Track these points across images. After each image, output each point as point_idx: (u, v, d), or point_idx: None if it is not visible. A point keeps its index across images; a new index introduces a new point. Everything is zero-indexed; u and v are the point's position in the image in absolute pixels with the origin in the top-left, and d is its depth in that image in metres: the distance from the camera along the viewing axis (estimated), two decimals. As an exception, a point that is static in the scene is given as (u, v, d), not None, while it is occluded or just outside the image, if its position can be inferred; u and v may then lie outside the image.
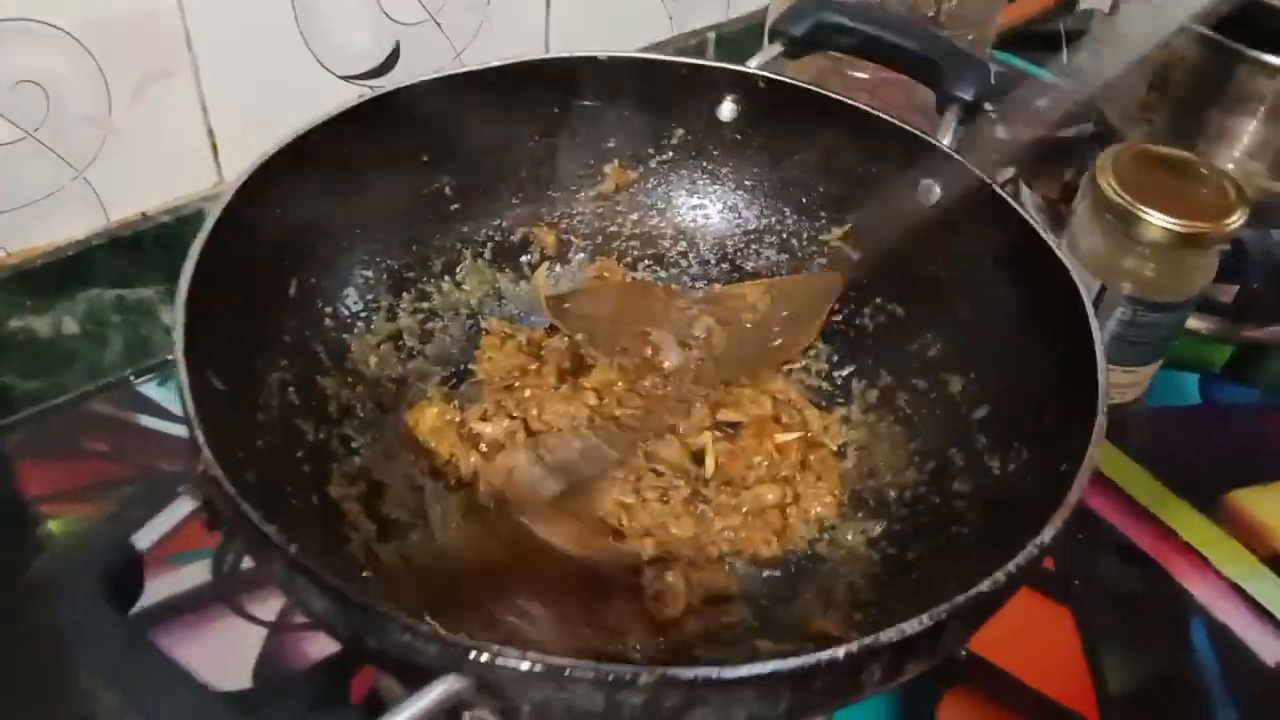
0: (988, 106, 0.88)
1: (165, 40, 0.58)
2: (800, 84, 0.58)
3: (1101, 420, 0.42)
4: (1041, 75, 0.95)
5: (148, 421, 0.61)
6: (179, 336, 0.41)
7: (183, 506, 0.36)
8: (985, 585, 0.36)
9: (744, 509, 0.51)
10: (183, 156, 0.62)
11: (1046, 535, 0.38)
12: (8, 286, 0.59)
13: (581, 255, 0.62)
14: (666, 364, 0.56)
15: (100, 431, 0.60)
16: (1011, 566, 0.37)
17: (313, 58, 0.64)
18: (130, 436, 0.60)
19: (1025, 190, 0.80)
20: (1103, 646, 0.54)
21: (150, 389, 0.63)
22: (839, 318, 0.59)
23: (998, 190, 0.53)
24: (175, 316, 0.41)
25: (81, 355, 0.63)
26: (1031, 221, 0.51)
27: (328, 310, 0.53)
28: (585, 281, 0.61)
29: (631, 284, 0.61)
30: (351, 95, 0.52)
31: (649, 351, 0.56)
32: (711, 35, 0.86)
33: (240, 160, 0.64)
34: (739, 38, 0.87)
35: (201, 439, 0.37)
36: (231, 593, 0.53)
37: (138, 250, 0.63)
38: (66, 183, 0.59)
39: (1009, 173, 0.83)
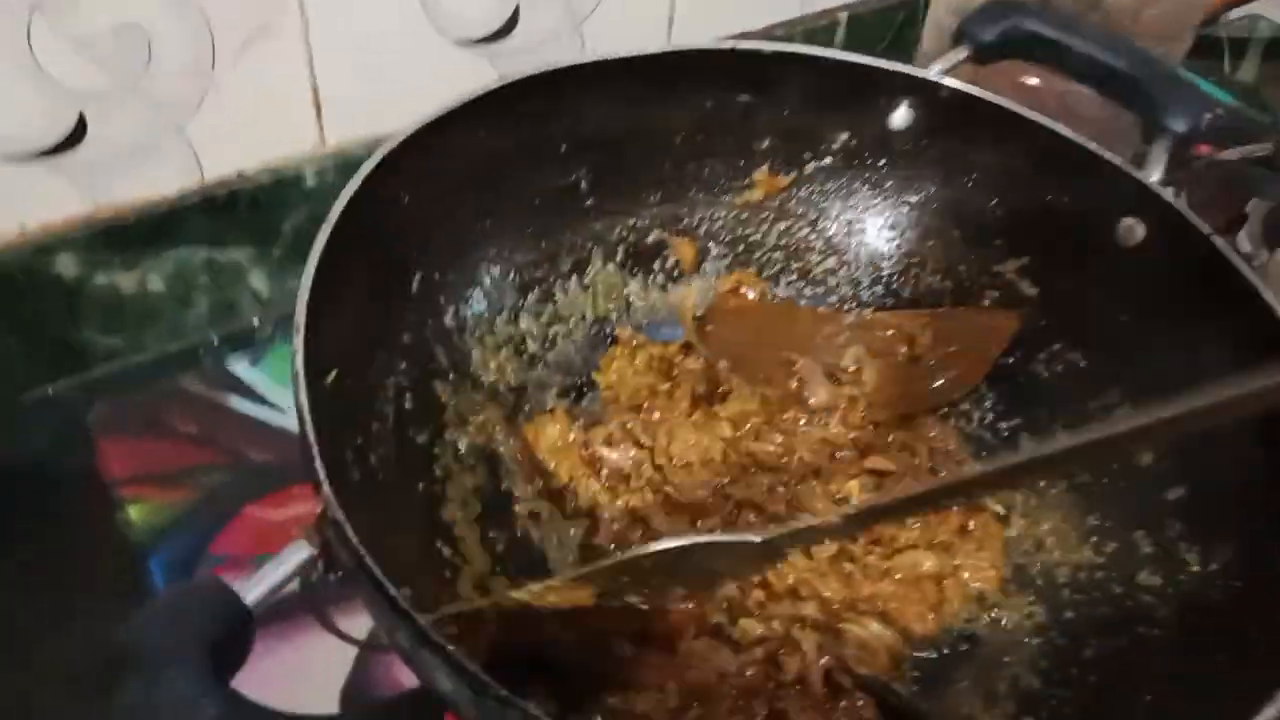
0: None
1: (277, -6, 0.55)
2: (983, 95, 0.51)
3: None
4: (1199, 84, 0.85)
5: (238, 404, 0.57)
6: (299, 339, 0.36)
7: (296, 554, 0.32)
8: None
9: (896, 575, 0.45)
10: (284, 116, 0.59)
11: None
12: (96, 241, 0.56)
13: (720, 263, 0.56)
14: (812, 400, 0.50)
15: (188, 411, 0.57)
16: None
17: (426, 19, 0.60)
18: (219, 418, 0.57)
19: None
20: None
21: (242, 369, 0.59)
22: (1010, 360, 0.53)
23: (1213, 240, 0.46)
24: (297, 321, 0.37)
25: (165, 315, 0.61)
26: (1251, 278, 0.44)
27: (450, 309, 0.48)
28: (718, 295, 0.55)
29: (776, 305, 0.55)
30: (466, 63, 0.47)
31: (794, 384, 0.51)
32: (843, 15, 0.80)
33: (343, 123, 0.61)
34: (872, 20, 0.81)
35: (320, 469, 0.33)
36: (322, 605, 0.49)
37: (232, 211, 0.60)
38: (162, 136, 0.56)
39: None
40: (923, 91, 0.52)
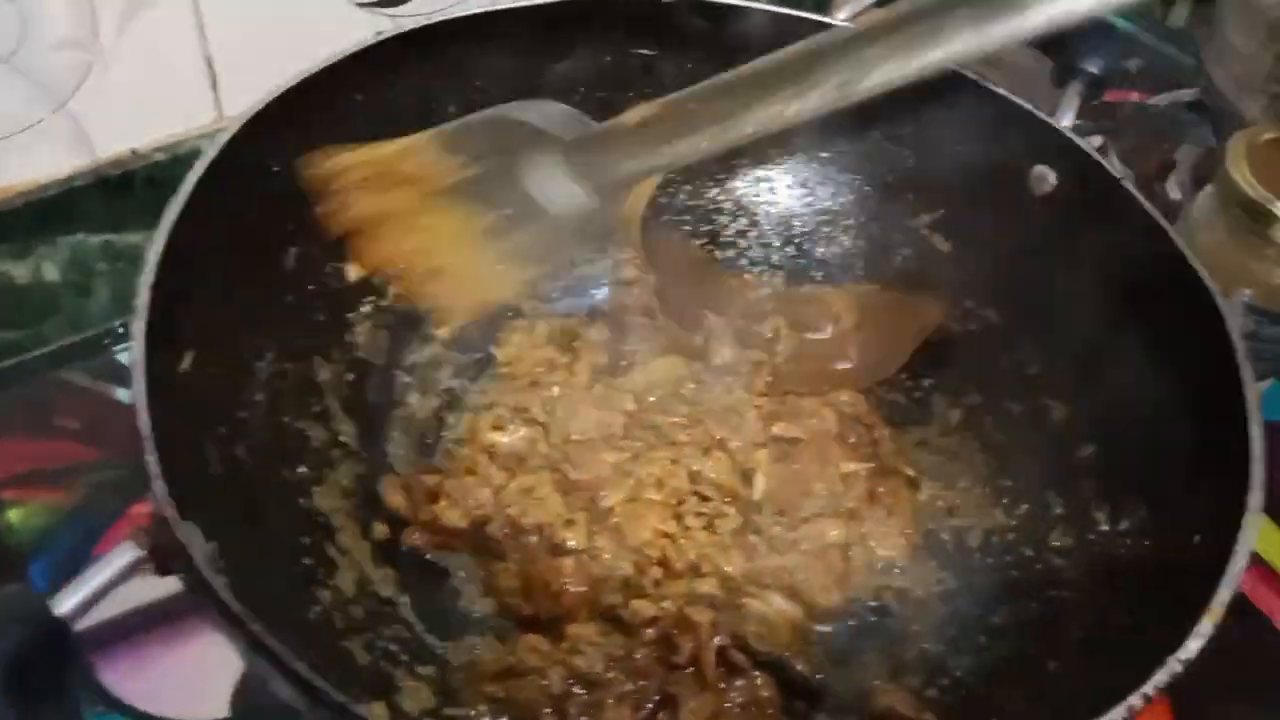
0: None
1: (159, -44, 0.52)
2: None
3: (1257, 493, 0.34)
4: (1132, 31, 0.83)
5: (125, 396, 0.54)
6: (141, 323, 0.34)
7: (118, 558, 0.29)
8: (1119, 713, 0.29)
9: (803, 546, 0.44)
10: (178, 89, 0.56)
11: (1191, 648, 0.31)
12: None
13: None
14: (716, 359, 0.48)
15: (73, 406, 0.54)
16: (1149, 689, 0.30)
17: None
18: (105, 413, 0.54)
19: (1116, 163, 0.70)
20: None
21: (129, 357, 0.56)
22: (921, 320, 0.51)
23: (1126, 187, 0.44)
24: (139, 295, 0.34)
25: (64, 305, 0.58)
26: (1163, 223, 0.43)
27: (331, 286, 0.46)
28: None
29: (708, 258, 0.53)
30: (368, 25, 0.44)
31: (700, 339, 0.49)
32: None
33: (243, 94, 0.57)
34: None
35: (154, 464, 0.30)
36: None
37: (127, 191, 0.57)
38: (47, 115, 0.53)
39: (1095, 142, 0.74)
40: (826, 40, 0.50)
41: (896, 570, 0.44)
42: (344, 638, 0.37)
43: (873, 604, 0.44)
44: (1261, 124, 0.58)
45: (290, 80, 0.42)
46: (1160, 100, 0.76)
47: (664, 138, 0.37)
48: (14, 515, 0.49)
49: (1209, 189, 0.56)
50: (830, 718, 0.39)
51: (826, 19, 0.50)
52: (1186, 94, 0.75)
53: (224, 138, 0.40)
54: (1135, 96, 0.78)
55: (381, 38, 0.45)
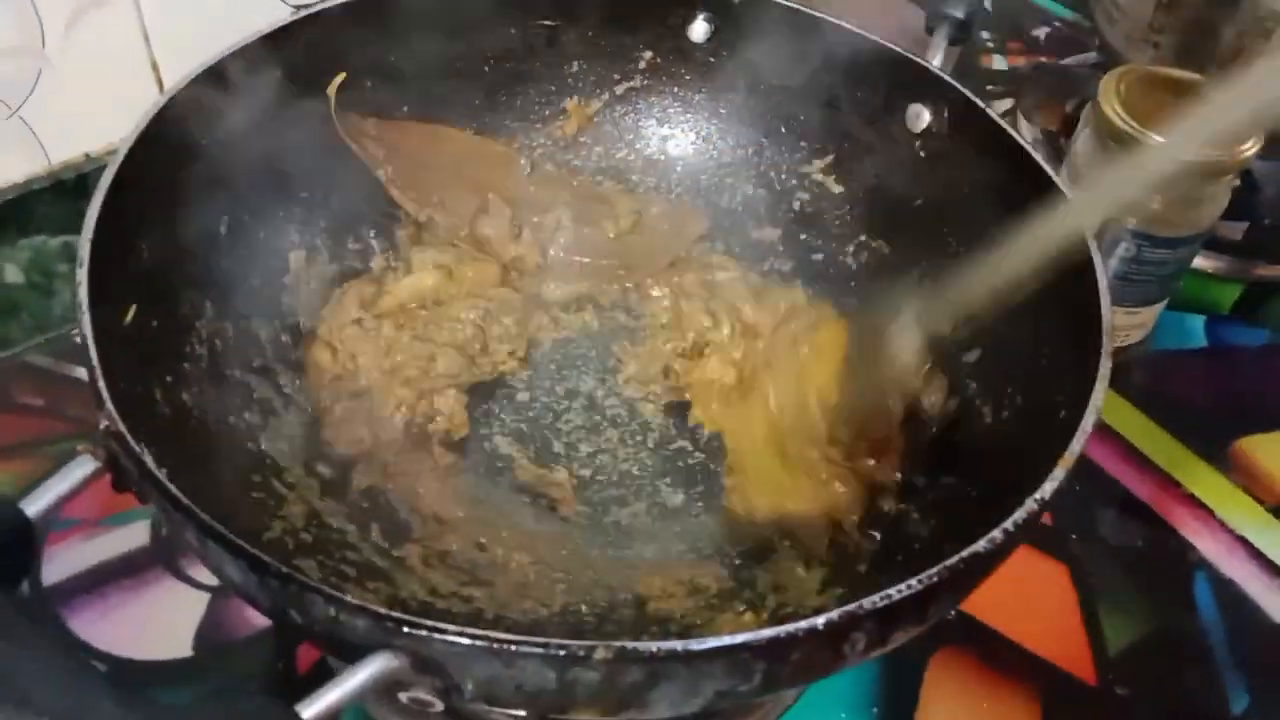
0: (984, 34, 0.84)
1: (99, -39, 0.54)
2: (776, 0, 0.53)
3: (1106, 360, 0.39)
4: (1041, 1, 0.89)
5: (85, 374, 0.57)
6: (83, 273, 0.37)
7: (80, 468, 0.32)
8: (980, 545, 0.33)
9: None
10: (126, 93, 0.57)
11: (1046, 490, 0.35)
12: None
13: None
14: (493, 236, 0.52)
15: (36, 384, 0.56)
16: (1009, 524, 0.34)
17: None
18: (67, 389, 0.56)
19: (1024, 123, 0.75)
20: (1101, 605, 0.51)
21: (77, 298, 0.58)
22: (819, 256, 0.55)
23: (990, 115, 0.49)
24: (81, 244, 0.37)
25: (27, 307, 0.59)
26: (1027, 148, 0.47)
27: (265, 248, 0.49)
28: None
29: (481, 141, 0.55)
30: None
31: (477, 223, 0.52)
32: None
33: None
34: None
35: (104, 388, 0.33)
36: (172, 556, 0.50)
37: (82, 193, 0.58)
38: (0, 122, 0.55)
39: (1007, 104, 0.79)
40: (716, 2, 0.54)
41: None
42: (295, 557, 0.40)
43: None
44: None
45: (214, 57, 0.45)
46: (1070, 62, 0.82)
47: None
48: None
49: (1085, 127, 0.60)
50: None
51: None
52: (1089, 56, 0.81)
53: (153, 110, 0.43)
54: (1044, 60, 0.84)
55: (299, 15, 0.48)
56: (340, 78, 0.48)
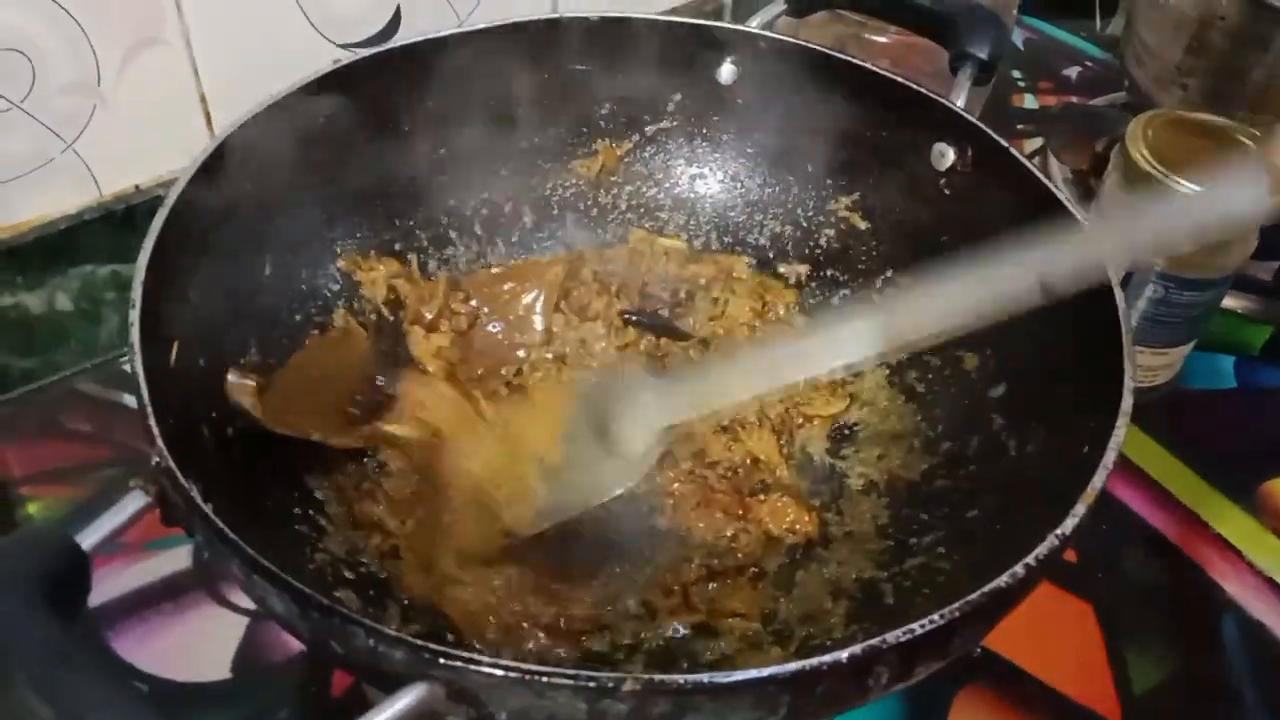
0: (1015, 73, 0.85)
1: (154, 5, 0.56)
2: (802, 43, 0.55)
3: (1128, 398, 0.39)
4: (1072, 41, 0.91)
5: (132, 401, 0.58)
6: (135, 314, 0.38)
7: (132, 502, 0.34)
8: (1002, 580, 0.33)
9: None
10: (175, 127, 0.60)
11: (1068, 525, 0.35)
12: None
13: (577, 229, 0.59)
14: None
15: (84, 411, 0.58)
16: (1031, 559, 0.34)
17: (308, 24, 0.62)
18: (114, 416, 0.58)
19: (1053, 162, 0.76)
20: (1127, 644, 0.51)
21: (129, 337, 0.60)
22: (846, 291, 0.56)
23: (1013, 153, 0.50)
24: (135, 283, 0.39)
25: (76, 333, 0.61)
26: (1051, 187, 0.48)
27: (305, 288, 0.50)
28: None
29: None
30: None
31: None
32: (729, -1, 0.82)
33: None
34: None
35: (155, 426, 0.35)
36: (213, 580, 0.51)
37: (131, 224, 0.60)
38: (56, 154, 0.57)
39: (1037, 143, 0.80)
40: (743, 46, 0.55)
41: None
42: (336, 588, 0.41)
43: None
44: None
45: (260, 105, 0.47)
46: (1099, 102, 0.83)
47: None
48: (33, 508, 0.54)
49: (1112, 170, 0.61)
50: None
51: (733, 26, 0.55)
52: (1119, 97, 0.82)
53: (202, 156, 0.45)
54: (1075, 100, 0.84)
55: (344, 62, 0.50)
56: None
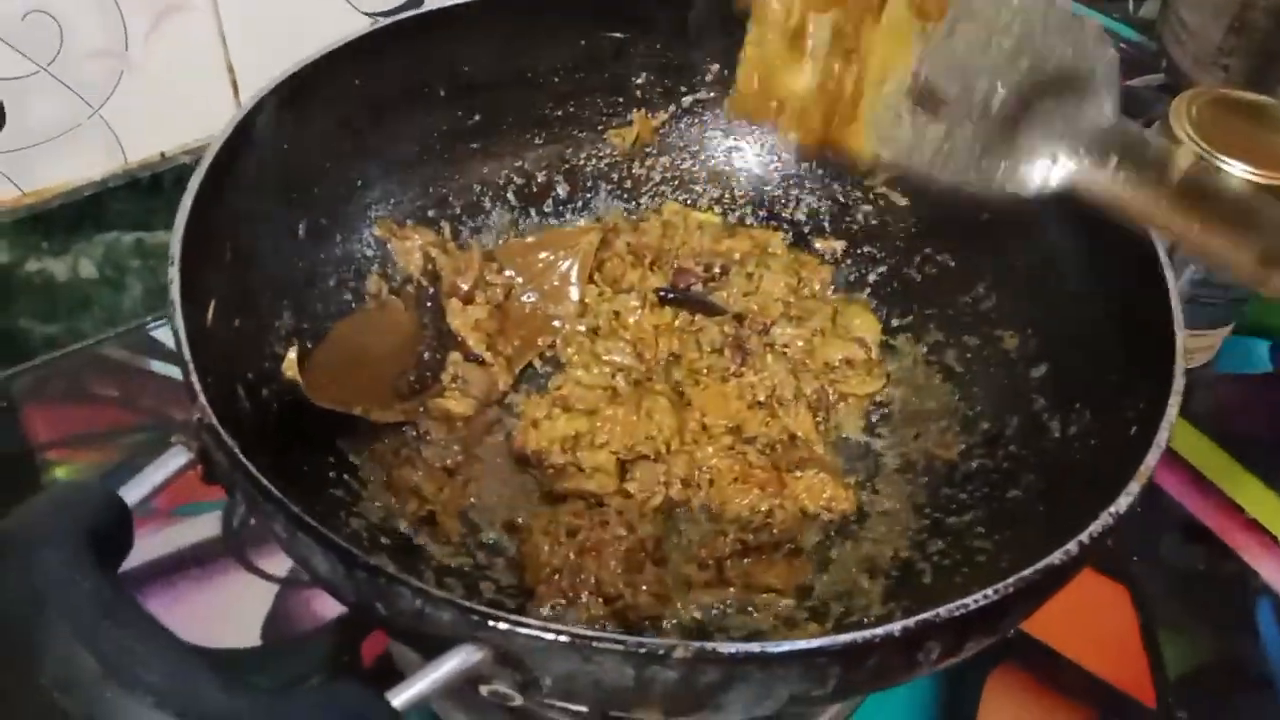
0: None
1: (182, -29, 0.55)
2: (846, 17, 0.54)
3: (1179, 378, 0.39)
4: (1106, 22, 0.89)
5: (159, 367, 0.59)
6: (175, 271, 0.38)
7: (175, 459, 0.33)
8: (1056, 557, 0.33)
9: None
10: (202, 94, 0.60)
11: (1122, 503, 0.35)
12: (23, 227, 0.57)
13: (611, 202, 0.58)
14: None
15: (111, 376, 0.58)
16: (1085, 537, 0.34)
17: None
18: (142, 382, 0.58)
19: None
20: (1161, 628, 0.51)
21: (163, 333, 0.60)
22: (883, 269, 0.55)
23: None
24: (173, 240, 0.38)
25: (100, 300, 0.61)
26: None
27: (339, 253, 0.50)
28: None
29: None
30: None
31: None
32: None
33: None
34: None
35: (197, 383, 0.34)
36: (242, 547, 0.51)
37: (157, 192, 0.60)
38: (82, 120, 0.57)
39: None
40: (785, 16, 0.54)
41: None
42: (370, 554, 0.41)
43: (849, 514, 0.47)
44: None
45: (294, 67, 0.46)
46: (1135, 83, 0.82)
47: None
48: (60, 472, 0.53)
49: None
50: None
51: None
52: (1155, 78, 0.81)
53: (238, 116, 0.44)
54: None
55: (374, 27, 0.49)
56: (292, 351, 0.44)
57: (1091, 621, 0.51)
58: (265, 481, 0.31)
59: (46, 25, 0.53)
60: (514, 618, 0.29)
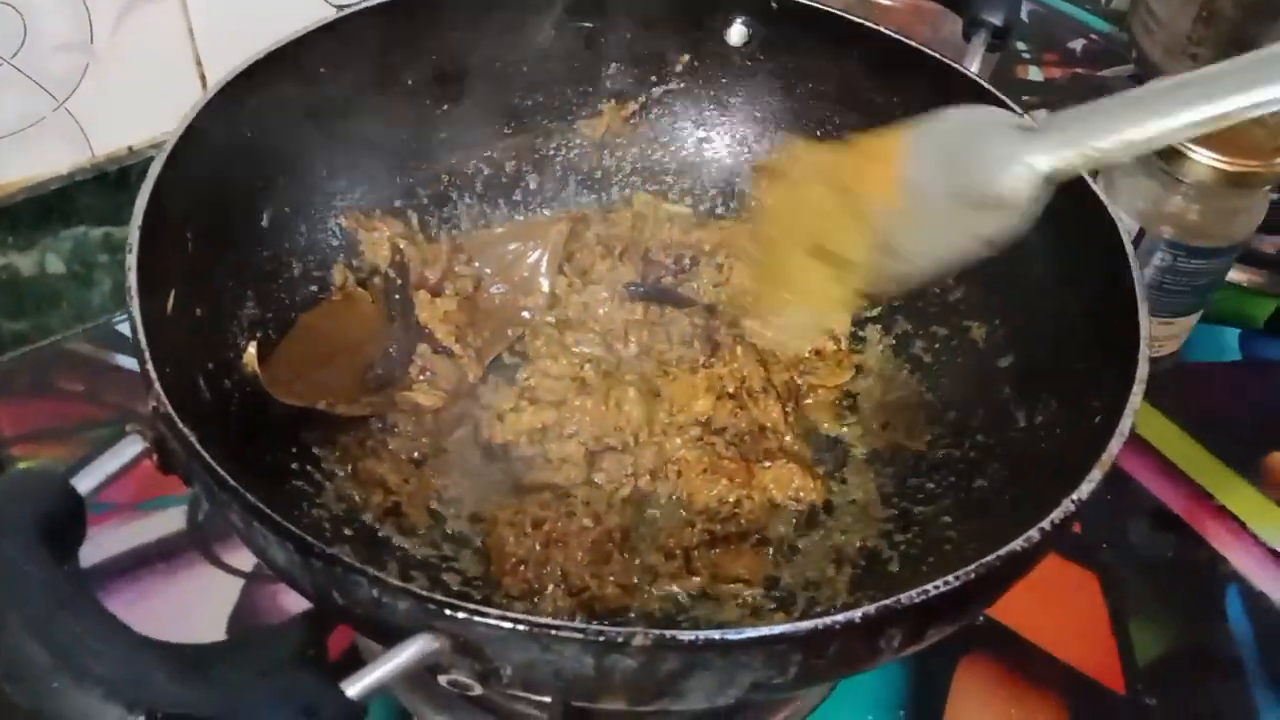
0: (1020, 45, 0.85)
1: (149, -39, 0.55)
2: (814, 5, 0.54)
3: (1143, 364, 0.39)
4: (1077, 14, 0.90)
5: (125, 362, 0.58)
6: (133, 259, 0.37)
7: (129, 448, 0.33)
8: (1018, 544, 0.33)
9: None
10: (169, 87, 0.58)
11: (1084, 490, 0.35)
12: None
13: (580, 192, 0.58)
14: None
15: (77, 371, 0.57)
16: (1046, 524, 0.34)
17: None
18: (108, 376, 0.57)
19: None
20: (1131, 615, 0.51)
21: (127, 328, 0.59)
22: (854, 259, 0.55)
23: (1028, 120, 0.49)
24: (132, 227, 0.38)
25: (68, 296, 0.60)
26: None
27: (304, 241, 0.49)
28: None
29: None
30: None
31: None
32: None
33: None
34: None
35: (152, 371, 0.34)
36: (207, 541, 0.50)
37: (124, 186, 0.59)
38: (47, 113, 0.56)
39: (1042, 115, 0.79)
40: (754, 7, 0.54)
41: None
42: (333, 544, 0.40)
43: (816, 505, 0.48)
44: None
45: (260, 52, 0.46)
46: (1106, 74, 0.82)
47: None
48: (24, 467, 0.52)
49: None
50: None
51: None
52: (1126, 69, 0.81)
53: (200, 102, 0.43)
54: (1081, 72, 0.84)
55: (342, 14, 0.49)
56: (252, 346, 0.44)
57: (1061, 609, 0.51)
58: (220, 470, 0.31)
59: (10, 17, 0.52)
60: (471, 606, 0.29)
